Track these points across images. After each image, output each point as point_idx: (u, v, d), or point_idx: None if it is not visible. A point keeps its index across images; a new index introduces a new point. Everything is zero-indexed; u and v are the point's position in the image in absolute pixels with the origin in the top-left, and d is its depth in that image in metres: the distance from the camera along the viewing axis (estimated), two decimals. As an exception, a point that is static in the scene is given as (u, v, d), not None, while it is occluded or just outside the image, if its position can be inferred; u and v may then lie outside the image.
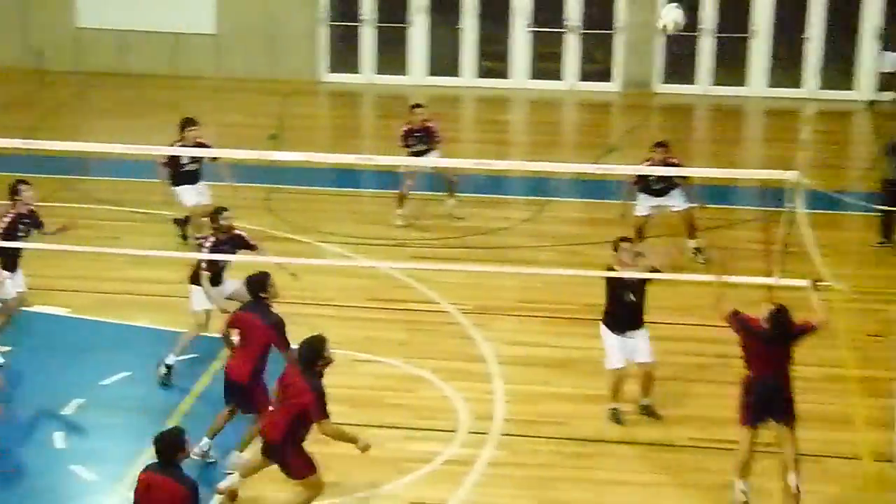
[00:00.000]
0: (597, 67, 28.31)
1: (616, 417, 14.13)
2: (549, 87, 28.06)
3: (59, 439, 13.81)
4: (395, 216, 19.75)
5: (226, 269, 15.09)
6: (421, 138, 19.44)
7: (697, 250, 18.02)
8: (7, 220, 15.01)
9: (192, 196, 18.25)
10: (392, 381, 14.92)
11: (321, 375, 11.70)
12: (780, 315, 12.35)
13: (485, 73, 28.42)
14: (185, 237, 18.35)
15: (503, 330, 16.38)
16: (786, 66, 27.37)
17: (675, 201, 17.86)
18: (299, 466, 11.82)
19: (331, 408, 13.95)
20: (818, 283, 12.38)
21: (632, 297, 13.86)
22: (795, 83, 27.12)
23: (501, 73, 28.36)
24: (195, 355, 15.41)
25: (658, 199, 17.89)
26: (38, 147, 12.78)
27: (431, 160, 19.15)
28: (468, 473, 13.11)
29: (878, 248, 18.69)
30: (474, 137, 25.25)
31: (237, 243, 15.06)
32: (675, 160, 17.64)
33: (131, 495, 12.54)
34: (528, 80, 28.21)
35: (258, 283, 13.17)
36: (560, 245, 19.05)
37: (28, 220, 15.14)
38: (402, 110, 26.68)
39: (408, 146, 19.36)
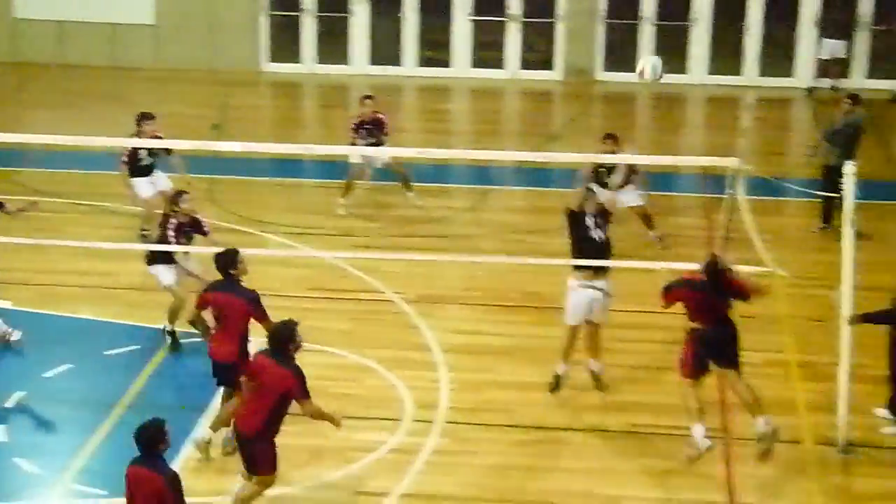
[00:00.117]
0: (538, 56, 28.33)
1: (555, 384, 14.21)
2: (490, 75, 28.07)
3: (1, 432, 13.70)
4: (338, 205, 19.71)
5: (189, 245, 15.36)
6: (371, 131, 19.38)
7: (659, 239, 18.10)
8: None
9: (147, 188, 18.23)
10: (337, 370, 14.89)
11: (293, 360, 11.64)
12: (714, 262, 12.76)
13: (426, 62, 28.39)
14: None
15: (447, 318, 16.39)
16: (726, 53, 27.51)
17: (628, 197, 17.90)
18: (267, 462, 11.75)
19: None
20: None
21: (598, 232, 14.12)
22: (735, 71, 27.28)
23: (443, 63, 28.33)
24: (137, 347, 15.36)
25: (609, 192, 17.91)
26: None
27: (373, 150, 19.09)
28: (413, 462, 13.12)
29: (819, 233, 18.83)
30: (416, 126, 25.21)
31: (196, 227, 15.36)
32: (625, 152, 17.76)
33: (75, 487, 12.59)
34: (470, 69, 28.20)
35: (227, 260, 13.12)
36: (503, 233, 19.06)
37: None
38: (343, 100, 26.83)
39: (359, 138, 19.29)
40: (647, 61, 15.43)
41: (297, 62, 28.50)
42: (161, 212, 15.75)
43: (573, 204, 14.34)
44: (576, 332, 14.33)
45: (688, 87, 27.36)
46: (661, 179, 19.32)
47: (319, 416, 11.75)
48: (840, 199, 14.82)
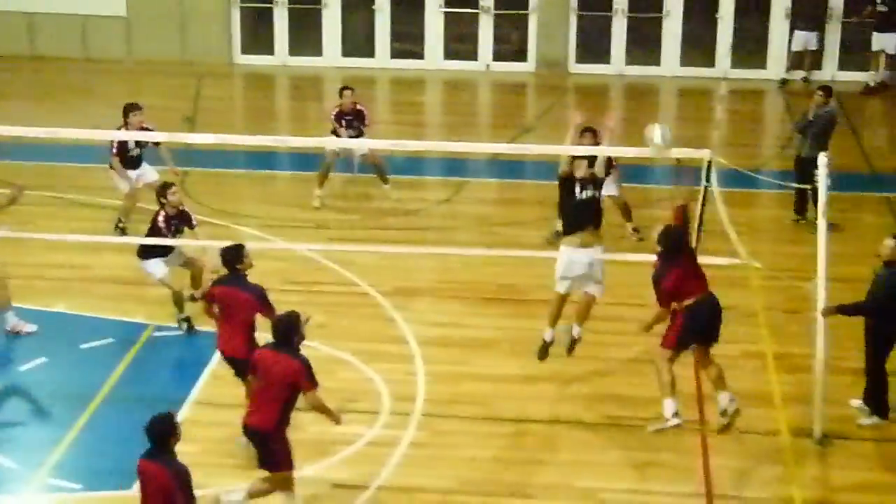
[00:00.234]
0: (511, 48, 28.32)
1: (542, 351, 14.23)
2: (463, 67, 28.04)
3: (-25, 427, 13.67)
4: (313, 197, 19.68)
5: (179, 237, 15.53)
6: (351, 122, 19.38)
7: (635, 230, 18.12)
8: None
9: (127, 181, 18.24)
10: (312, 363, 14.77)
11: (299, 350, 11.57)
12: (667, 229, 13.01)
13: (399, 54, 28.35)
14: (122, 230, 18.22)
15: (422, 311, 16.38)
16: (698, 45, 27.55)
17: (607, 188, 17.88)
18: (284, 458, 11.63)
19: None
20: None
21: (585, 193, 14.17)
22: (708, 63, 27.33)
23: (416, 55, 28.29)
24: (112, 340, 15.32)
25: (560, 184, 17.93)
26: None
27: (346, 141, 19.08)
28: (390, 455, 13.12)
29: (793, 224, 18.89)
30: (389, 119, 25.13)
31: (185, 219, 15.55)
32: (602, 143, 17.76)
33: (51, 482, 12.55)
34: (443, 61, 28.16)
35: (234, 255, 13.10)
36: (478, 226, 19.06)
37: None
38: (316, 92, 26.78)
39: (340, 128, 19.30)
40: (655, 129, 14.50)
41: (269, 54, 28.41)
42: (139, 204, 15.75)
43: (562, 170, 14.39)
44: (564, 300, 14.33)
45: (660, 78, 27.40)
46: (633, 171, 19.32)
47: (322, 408, 11.62)
48: (813, 190, 14.91)
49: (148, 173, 18.33)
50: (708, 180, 14.25)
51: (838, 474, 12.91)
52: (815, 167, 13.83)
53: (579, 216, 14.21)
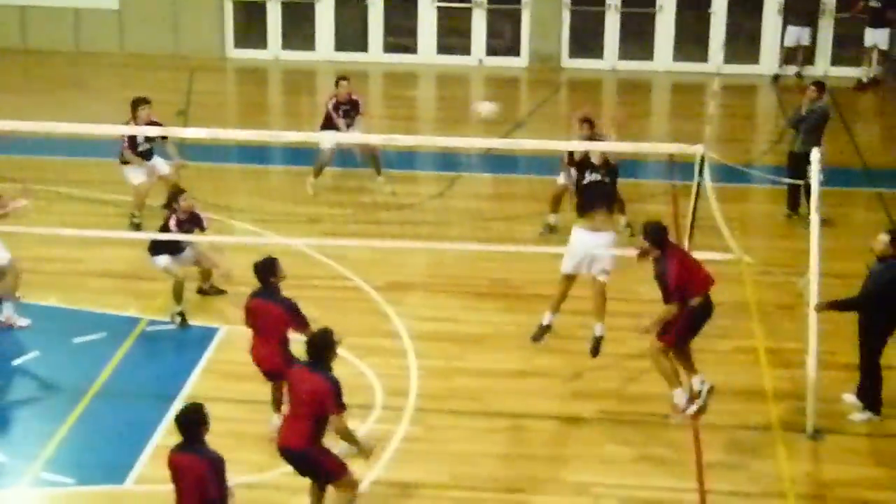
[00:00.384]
0: (504, 43, 28.30)
1: (538, 334, 14.22)
2: (456, 62, 28.02)
3: (-32, 421, 13.67)
4: (308, 184, 19.75)
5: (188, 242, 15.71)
6: (347, 111, 19.46)
7: (628, 225, 18.11)
8: None
9: (139, 175, 18.24)
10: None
11: (331, 369, 11.33)
12: (648, 225, 13.07)
13: (392, 48, 28.32)
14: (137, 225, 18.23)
15: (414, 305, 16.38)
16: (691, 40, 27.55)
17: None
18: (334, 467, 11.40)
19: (246, 386, 14.08)
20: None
21: (595, 176, 14.28)
22: (701, 58, 27.33)
23: (409, 49, 28.27)
24: (105, 334, 15.31)
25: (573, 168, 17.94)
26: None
27: (338, 135, 19.12)
28: (383, 450, 13.10)
29: (785, 220, 18.91)
30: (382, 113, 25.08)
31: (196, 222, 15.70)
32: (602, 137, 17.77)
33: (44, 476, 12.53)
34: (436, 55, 28.14)
35: (267, 268, 13.08)
36: (470, 220, 19.05)
37: None
38: (309, 86, 26.75)
39: (339, 118, 19.36)
40: (483, 105, 17.45)
41: (262, 48, 28.38)
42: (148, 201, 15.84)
43: (577, 155, 14.62)
44: (569, 283, 14.33)
45: (653, 73, 27.41)
46: (626, 166, 19.27)
47: (347, 435, 11.33)
48: (806, 186, 14.94)
49: (160, 166, 18.31)
50: (701, 175, 14.25)
51: (831, 469, 12.93)
52: (808, 163, 13.85)
53: (589, 199, 14.33)
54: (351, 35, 28.24)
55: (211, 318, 15.87)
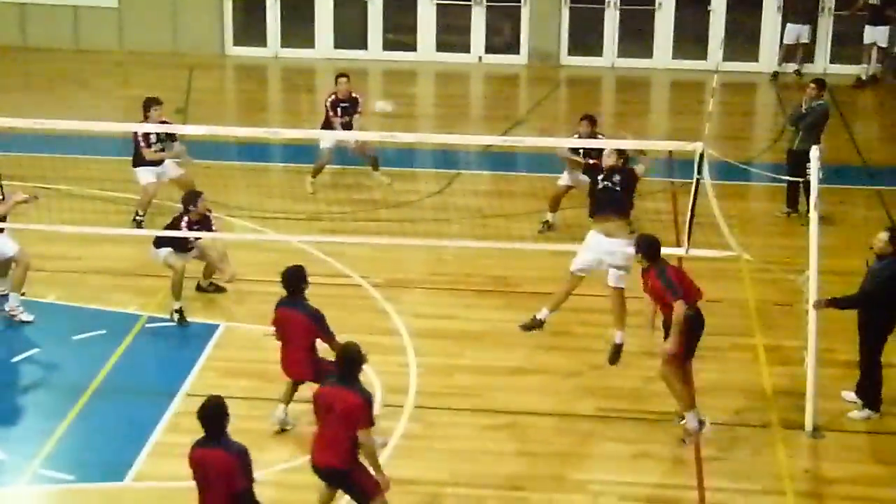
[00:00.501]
0: (503, 40, 28.30)
1: (528, 325, 14.22)
2: (455, 59, 28.02)
3: (-32, 417, 13.65)
4: (307, 183, 19.79)
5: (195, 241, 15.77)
6: (346, 109, 19.47)
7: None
8: None
9: (149, 176, 18.19)
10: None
11: (360, 383, 11.17)
12: (643, 239, 13.16)
13: (391, 46, 28.32)
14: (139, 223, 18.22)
15: (413, 303, 16.38)
16: (690, 38, 27.55)
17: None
18: (371, 487, 11.19)
19: (245, 383, 14.10)
20: None
21: (607, 182, 14.42)
22: (700, 55, 27.33)
23: (408, 47, 28.26)
24: (104, 331, 15.31)
25: (585, 176, 17.92)
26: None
27: (338, 134, 19.14)
28: (382, 446, 13.09)
29: (784, 217, 18.91)
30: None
31: (206, 224, 15.73)
32: (602, 135, 17.81)
33: (43, 472, 12.52)
34: (435, 52, 28.14)
35: (296, 277, 13.06)
36: (469, 218, 19.04)
37: None
38: (308, 84, 26.74)
39: (336, 117, 19.38)
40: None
41: (261, 46, 28.38)
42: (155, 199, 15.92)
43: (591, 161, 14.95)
44: (575, 283, 14.32)
45: (652, 71, 27.41)
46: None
47: (371, 453, 11.10)
48: (805, 183, 14.94)
49: (171, 169, 18.28)
50: (700, 173, 14.25)
51: (830, 467, 12.92)
52: (807, 160, 13.84)
53: (601, 204, 14.43)
54: (350, 32, 28.24)
55: (210, 315, 15.88)
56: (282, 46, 28.31)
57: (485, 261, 17.18)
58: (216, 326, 15.62)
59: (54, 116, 17.03)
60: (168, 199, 18.21)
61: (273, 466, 12.58)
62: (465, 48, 28.08)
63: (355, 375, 11.08)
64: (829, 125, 19.29)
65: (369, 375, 14.41)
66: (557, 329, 15.07)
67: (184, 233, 15.44)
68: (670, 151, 20.13)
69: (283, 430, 13.22)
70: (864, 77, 26.35)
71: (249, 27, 28.54)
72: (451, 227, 18.70)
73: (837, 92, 24.07)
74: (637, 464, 12.94)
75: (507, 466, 12.88)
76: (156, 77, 26.21)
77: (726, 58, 26.87)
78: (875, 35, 26.05)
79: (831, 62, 27.00)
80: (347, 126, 19.50)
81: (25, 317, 15.58)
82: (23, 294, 15.67)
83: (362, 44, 28.17)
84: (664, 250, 13.56)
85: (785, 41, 26.61)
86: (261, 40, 28.38)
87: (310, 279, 13.21)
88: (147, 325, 15.59)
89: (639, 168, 15.09)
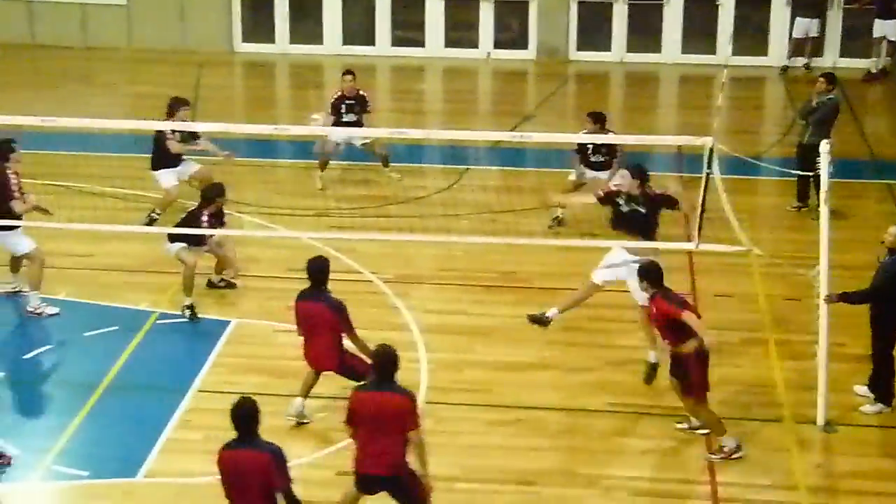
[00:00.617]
0: (511, 35, 28.29)
1: (536, 318, 14.16)
2: (464, 55, 28.02)
3: (-20, 414, 13.67)
4: (316, 178, 19.88)
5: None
6: (352, 106, 19.46)
7: None
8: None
9: (171, 178, 18.14)
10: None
11: (400, 384, 11.03)
12: (649, 265, 13.00)
13: (399, 42, 28.32)
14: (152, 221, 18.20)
15: (423, 298, 16.39)
16: (699, 32, 27.51)
17: (610, 176, 17.90)
18: (420, 490, 11.07)
19: (257, 379, 14.13)
20: None
21: (631, 205, 14.36)
22: (709, 50, 27.29)
23: (416, 42, 28.27)
24: (116, 328, 15.33)
25: (594, 172, 17.97)
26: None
27: (346, 130, 19.15)
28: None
29: (794, 211, 18.89)
30: (390, 106, 25.10)
31: (221, 217, 15.89)
32: (612, 132, 17.81)
33: (56, 468, 12.54)
34: (443, 48, 28.14)
35: (321, 269, 13.07)
36: (478, 213, 19.04)
37: None
38: (316, 80, 26.75)
39: (339, 114, 19.40)
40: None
41: (270, 42, 28.38)
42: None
43: (601, 190, 14.75)
44: (592, 291, 14.25)
45: (661, 66, 27.38)
46: (635, 159, 19.28)
47: (422, 452, 10.94)
48: (815, 177, 14.90)
49: (189, 166, 18.25)
50: (709, 167, 14.23)
51: (842, 461, 12.92)
52: (817, 154, 13.81)
53: (627, 226, 14.37)
54: (358, 29, 28.25)
55: (222, 312, 15.90)
56: (290, 43, 28.31)
57: (494, 256, 17.19)
58: (227, 323, 15.64)
59: (63, 114, 17.05)
60: (181, 198, 18.17)
61: (290, 462, 12.56)
62: (474, 44, 28.08)
63: (394, 378, 10.92)
64: (839, 119, 19.26)
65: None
66: (568, 324, 15.07)
67: (195, 230, 15.44)
68: (679, 146, 20.17)
69: (299, 425, 13.22)
70: (873, 71, 26.31)
71: (258, 24, 28.54)
72: (461, 223, 18.70)
73: (847, 86, 24.01)
74: (648, 459, 12.95)
75: (517, 462, 12.89)
76: (164, 74, 26.25)
77: (735, 52, 26.85)
78: (885, 29, 26.00)
79: (841, 56, 26.95)
80: (357, 124, 19.50)
81: (51, 310, 15.69)
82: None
83: (370, 40, 28.16)
84: (674, 245, 13.54)
85: (794, 35, 26.57)
86: (269, 37, 28.38)
87: (321, 275, 13.22)
88: (158, 322, 15.61)
89: (671, 189, 15.02)
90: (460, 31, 28.21)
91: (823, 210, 13.35)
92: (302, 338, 13.23)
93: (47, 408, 14.06)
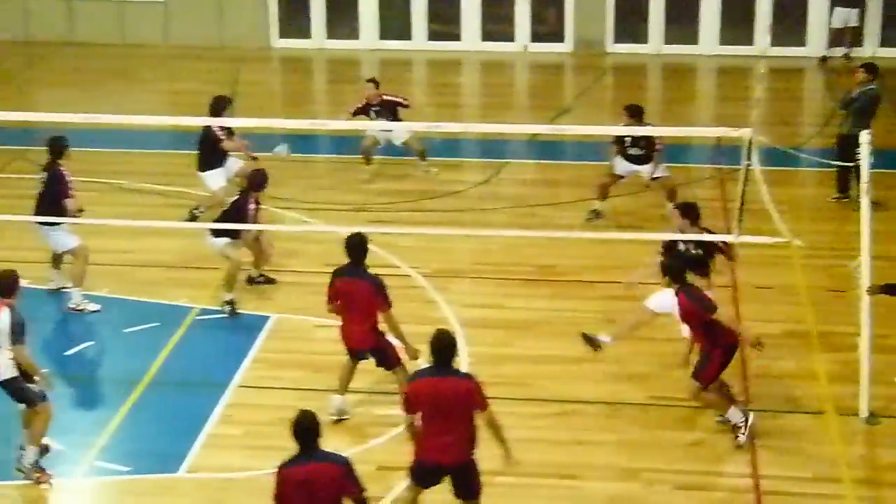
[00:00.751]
0: (548, 28, 28.24)
1: (591, 339, 14.06)
2: (500, 48, 27.99)
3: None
4: (362, 170, 20.04)
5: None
6: (380, 112, 19.44)
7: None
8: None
9: (220, 179, 18.09)
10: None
11: (460, 369, 10.96)
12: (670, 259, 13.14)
13: (436, 36, 28.31)
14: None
15: (463, 293, 16.38)
16: (737, 23, 27.39)
17: (651, 170, 17.86)
18: (479, 479, 11.03)
19: (296, 374, 14.16)
20: None
21: (688, 248, 14.11)
22: (747, 41, 27.17)
23: (453, 36, 28.25)
24: (156, 324, 15.39)
25: (634, 166, 17.91)
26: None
27: (382, 123, 19.18)
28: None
29: (835, 202, 18.79)
30: (427, 101, 25.15)
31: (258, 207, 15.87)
32: (650, 124, 17.76)
33: (99, 464, 12.59)
34: (480, 42, 28.13)
35: (360, 245, 13.05)
36: (516, 207, 19.02)
37: None
38: (353, 75, 26.79)
39: (369, 119, 19.46)
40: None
41: (306, 38, 28.44)
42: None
43: (661, 246, 14.40)
44: (647, 320, 13.92)
45: (698, 57, 27.29)
46: (673, 151, 19.25)
47: (497, 427, 10.89)
48: (855, 168, 14.82)
49: (234, 164, 18.21)
50: (749, 159, 14.16)
51: (886, 453, 12.83)
52: (857, 145, 13.72)
53: (688, 267, 14.14)
54: (394, 23, 28.26)
55: (261, 307, 15.93)
56: (327, 38, 28.35)
57: (532, 250, 17.16)
58: (267, 318, 15.67)
59: (102, 111, 17.12)
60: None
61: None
62: (510, 37, 28.04)
63: (451, 362, 10.78)
64: (880, 109, 19.13)
65: (418, 365, 14.44)
66: (606, 317, 15.03)
67: (236, 226, 15.44)
68: (718, 138, 20.09)
69: (339, 420, 13.23)
70: (914, 60, 26.16)
71: (294, 19, 28.62)
72: (498, 217, 18.69)
73: (887, 76, 23.81)
74: (690, 452, 12.89)
75: (558, 455, 12.87)
76: (202, 70, 26.36)
77: (773, 43, 26.72)
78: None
79: (880, 45, 26.77)
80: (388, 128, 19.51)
81: (92, 307, 15.79)
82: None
83: (407, 34, 28.18)
84: (715, 237, 13.47)
85: (833, 25, 26.43)
86: (306, 32, 28.44)
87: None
88: (198, 318, 15.66)
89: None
90: (497, 24, 28.18)
91: (864, 201, 13.27)
92: (338, 316, 13.16)
93: (89, 404, 14.14)
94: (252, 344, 15.02)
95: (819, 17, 26.90)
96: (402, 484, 11.98)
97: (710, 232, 14.40)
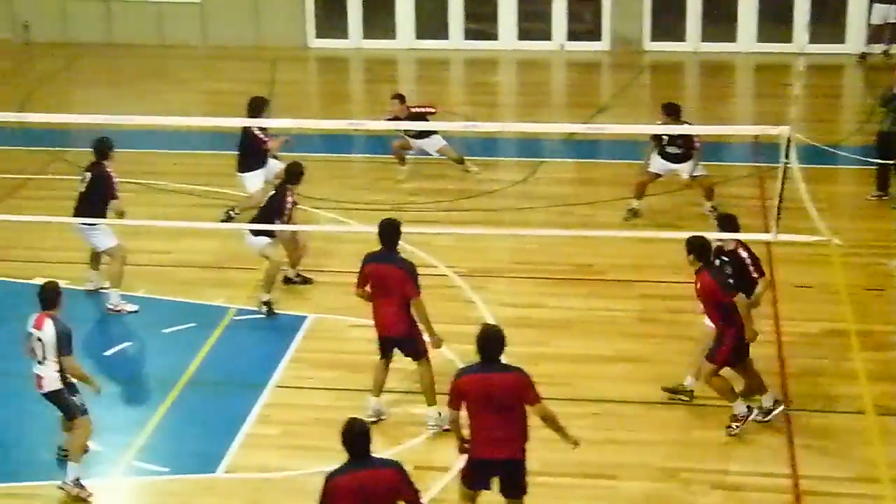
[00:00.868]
0: (585, 27, 28.18)
1: (677, 391, 13.78)
2: (537, 47, 27.95)
3: (61, 411, 13.78)
4: (398, 171, 19.99)
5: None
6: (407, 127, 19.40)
7: (713, 209, 17.89)
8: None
9: (258, 181, 18.03)
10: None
11: (508, 364, 10.90)
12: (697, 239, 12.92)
13: (472, 35, 28.29)
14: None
15: (500, 292, 16.35)
16: (775, 20, 27.25)
17: (690, 169, 17.79)
18: (526, 477, 10.97)
19: (333, 373, 14.16)
20: None
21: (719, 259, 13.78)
22: (785, 38, 27.02)
23: (489, 35, 28.23)
24: (194, 324, 15.44)
25: (671, 164, 17.86)
26: (34, 120, 12.75)
27: (417, 124, 19.12)
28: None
29: (874, 200, 18.66)
30: (464, 100, 25.15)
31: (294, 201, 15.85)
32: (687, 122, 17.69)
33: (137, 464, 12.63)
34: (516, 41, 28.09)
35: (394, 230, 13.05)
36: (552, 206, 18.98)
37: None
38: (390, 75, 26.82)
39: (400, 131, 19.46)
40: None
41: (343, 38, 28.47)
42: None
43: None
44: (703, 336, 13.81)
45: (736, 55, 27.17)
46: (711, 149, 19.18)
47: (554, 420, 10.85)
48: (895, 166, 14.74)
49: (273, 166, 18.17)
50: (787, 157, 14.09)
51: (926, 453, 12.76)
52: (897, 142, 13.65)
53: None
54: (431, 22, 28.26)
55: (298, 307, 15.95)
56: (364, 38, 28.38)
57: (569, 248, 17.12)
58: (304, 318, 15.68)
59: (140, 111, 17.19)
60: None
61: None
62: (547, 36, 27.99)
63: (499, 358, 10.71)
64: (920, 107, 18.99)
65: (456, 365, 14.42)
66: (644, 316, 14.99)
67: (274, 227, 15.47)
68: (756, 136, 19.99)
69: (377, 421, 13.21)
70: (953, 57, 25.98)
71: (331, 19, 28.65)
72: (535, 216, 18.66)
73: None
74: (728, 451, 12.82)
75: (596, 455, 12.81)
76: (239, 70, 26.43)
77: (812, 40, 26.53)
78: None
79: (920, 42, 26.60)
80: (422, 135, 19.45)
81: (130, 307, 15.87)
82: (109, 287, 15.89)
83: (443, 33, 28.17)
84: (753, 236, 13.40)
85: (872, 21, 26.26)
86: (342, 32, 28.48)
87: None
88: (235, 318, 15.69)
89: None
90: (533, 22, 28.14)
91: (904, 199, 13.19)
92: (367, 302, 13.13)
93: (127, 404, 14.19)
94: (289, 344, 15.04)
95: (858, 14, 26.73)
96: (438, 484, 12.00)
97: (747, 248, 14.05)
